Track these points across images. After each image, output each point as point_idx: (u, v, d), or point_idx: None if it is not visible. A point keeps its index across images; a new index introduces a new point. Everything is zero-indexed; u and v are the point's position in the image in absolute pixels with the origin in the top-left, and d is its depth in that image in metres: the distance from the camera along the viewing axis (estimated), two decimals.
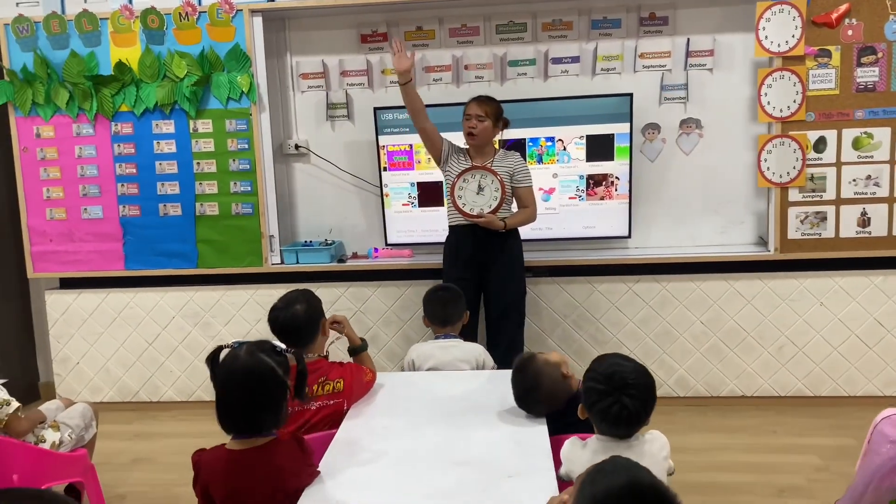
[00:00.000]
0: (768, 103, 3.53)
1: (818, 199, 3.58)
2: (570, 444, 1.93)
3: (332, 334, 2.63)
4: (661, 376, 3.81)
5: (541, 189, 3.84)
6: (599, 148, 3.77)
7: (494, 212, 3.34)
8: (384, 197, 3.96)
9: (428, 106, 3.72)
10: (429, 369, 2.78)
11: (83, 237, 3.97)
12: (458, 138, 3.49)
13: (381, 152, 3.90)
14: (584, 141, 3.78)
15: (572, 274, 3.81)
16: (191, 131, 3.83)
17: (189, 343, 4.04)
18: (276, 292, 3.99)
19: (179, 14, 3.73)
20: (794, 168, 3.55)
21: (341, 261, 3.92)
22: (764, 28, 3.48)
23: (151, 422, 3.97)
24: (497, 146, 3.72)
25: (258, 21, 3.74)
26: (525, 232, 3.66)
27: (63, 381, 4.15)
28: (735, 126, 3.80)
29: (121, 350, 4.08)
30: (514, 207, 3.49)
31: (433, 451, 2.05)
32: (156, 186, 3.89)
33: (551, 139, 3.80)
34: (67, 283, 4.12)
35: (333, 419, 2.31)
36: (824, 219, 3.58)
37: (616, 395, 1.77)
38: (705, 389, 3.80)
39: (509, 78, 3.90)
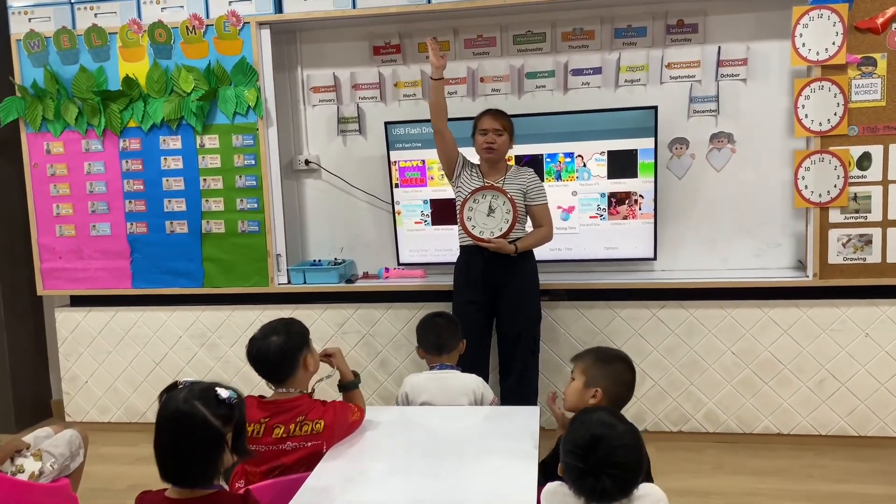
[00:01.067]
0: (806, 116, 3.24)
1: (862, 220, 3.27)
2: (552, 494, 1.71)
3: (326, 369, 2.44)
4: (688, 410, 3.53)
5: (559, 207, 3.63)
6: (622, 164, 3.53)
7: (505, 235, 3.14)
8: (396, 214, 3.80)
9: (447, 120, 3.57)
10: (422, 403, 2.59)
11: (92, 254, 3.91)
12: (470, 153, 3.30)
13: (393, 168, 3.74)
14: (605, 157, 3.54)
15: (592, 298, 3.57)
16: (197, 147, 3.74)
17: (195, 364, 3.93)
18: (282, 313, 3.86)
19: (187, 28, 3.64)
20: (835, 187, 3.25)
21: (350, 281, 3.76)
22: (801, 35, 3.20)
23: None
24: (513, 162, 3.53)
25: (266, 34, 3.62)
26: (542, 252, 3.45)
27: (72, 399, 4.09)
28: (771, 140, 3.51)
29: (129, 370, 4.00)
30: (529, 226, 3.29)
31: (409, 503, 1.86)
32: (163, 203, 3.80)
33: (570, 155, 3.58)
34: (78, 301, 4.06)
35: (310, 461, 2.13)
36: (869, 242, 3.27)
37: (597, 475, 1.55)
38: (737, 425, 3.51)
39: (527, 91, 3.70)
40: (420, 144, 3.67)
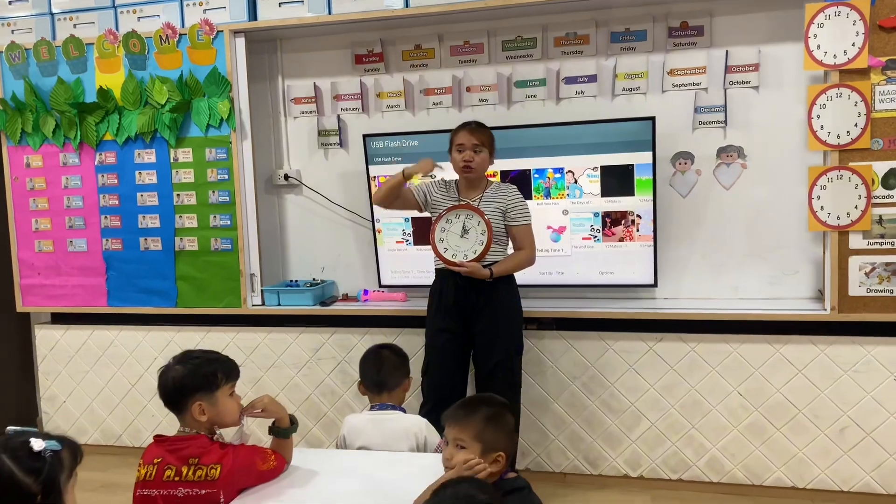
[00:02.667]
0: (821, 127, 2.86)
1: (889, 247, 2.85)
2: None
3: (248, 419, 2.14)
4: (689, 456, 3.15)
5: (549, 227, 3.32)
6: (616, 181, 3.20)
7: (479, 258, 2.86)
8: (376, 233, 3.55)
9: (426, 132, 3.32)
10: (360, 447, 2.33)
11: (69, 271, 3.80)
12: (449, 168, 3.04)
13: (373, 183, 3.50)
14: (598, 173, 3.22)
15: (584, 328, 3.24)
16: (171, 161, 3.58)
17: None
18: (257, 336, 3.68)
19: (160, 37, 3.49)
20: (856, 208, 2.85)
21: (325, 304, 3.53)
22: (815, 36, 2.82)
23: (127, 470, 3.66)
24: (498, 178, 3.25)
25: (241, 42, 3.45)
26: (530, 277, 3.16)
27: (51, 419, 3.97)
28: (787, 155, 3.13)
29: (105, 390, 3.86)
30: (512, 249, 3.00)
31: None
32: (137, 219, 3.66)
33: (560, 170, 3.26)
34: (58, 319, 3.95)
35: None
36: None
37: None
38: (744, 476, 3.10)
39: (516, 101, 3.41)
40: (401, 158, 3.42)
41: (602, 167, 3.21)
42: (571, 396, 3.27)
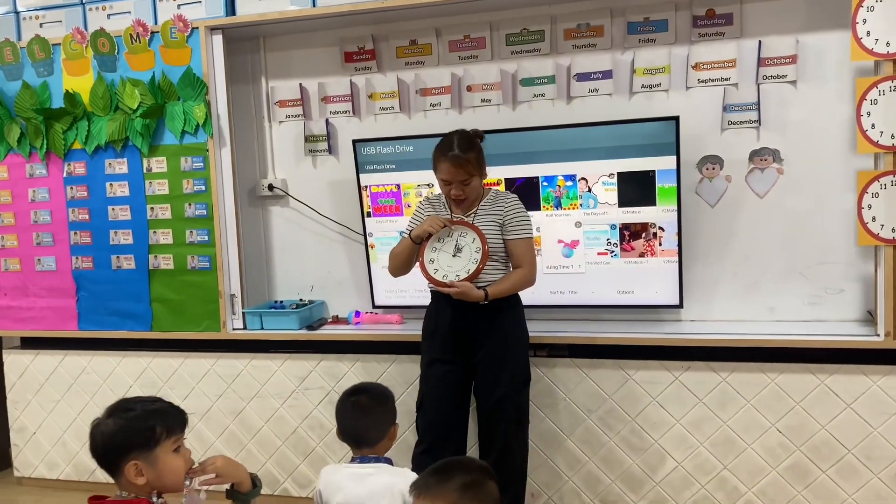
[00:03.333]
0: (872, 126, 2.48)
1: None
2: None
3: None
4: (721, 500, 2.78)
5: (560, 242, 2.96)
6: (635, 189, 2.84)
7: (472, 278, 2.51)
8: (369, 248, 3.22)
9: (424, 137, 2.99)
10: None
11: (38, 292, 3.49)
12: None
13: (364, 194, 3.16)
14: (614, 180, 2.86)
15: (600, 355, 2.87)
16: (144, 171, 3.26)
17: None
18: (238, 363, 3.35)
19: (130, 36, 3.18)
20: None
21: (312, 328, 3.19)
22: (864, 21, 2.45)
23: None
24: (503, 186, 2.91)
25: (218, 40, 3.13)
26: (540, 296, 2.83)
27: (20, 452, 3.66)
28: (831, 158, 2.76)
29: (77, 421, 3.54)
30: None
31: None
32: (108, 235, 3.34)
33: (572, 178, 2.91)
34: (28, 343, 3.64)
35: None
36: None
37: None
38: None
39: (522, 100, 3.06)
40: (394, 166, 3.09)
41: (619, 174, 2.85)
42: (587, 432, 2.90)
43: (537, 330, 2.84)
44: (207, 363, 3.31)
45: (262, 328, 3.22)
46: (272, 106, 3.36)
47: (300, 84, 3.29)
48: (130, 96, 3.21)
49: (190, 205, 3.22)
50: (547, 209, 2.95)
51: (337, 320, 3.30)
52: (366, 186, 3.15)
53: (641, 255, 2.89)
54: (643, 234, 2.87)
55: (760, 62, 2.78)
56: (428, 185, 3.05)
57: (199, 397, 3.34)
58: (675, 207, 2.80)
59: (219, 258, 3.19)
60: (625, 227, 2.89)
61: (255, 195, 3.42)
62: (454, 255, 2.57)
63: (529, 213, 2.67)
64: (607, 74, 2.95)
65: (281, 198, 3.40)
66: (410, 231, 2.63)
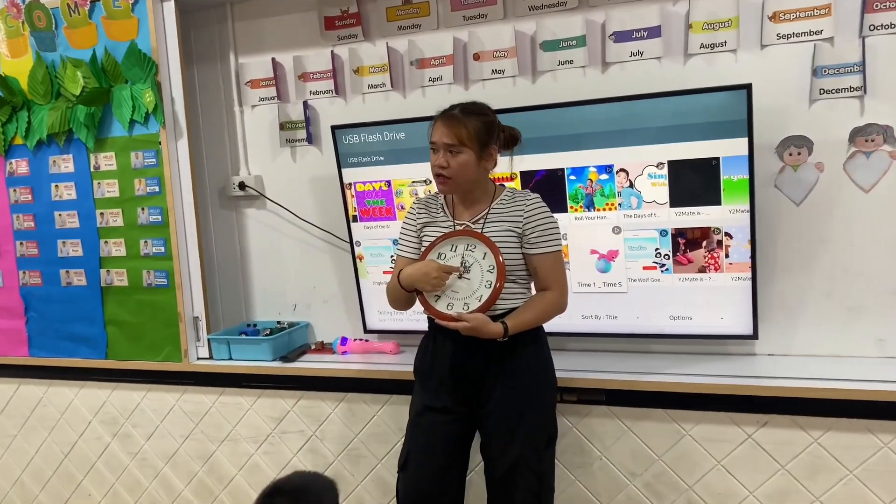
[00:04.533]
0: None
1: None
2: None
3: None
4: None
5: (594, 252, 2.29)
6: (693, 182, 2.14)
7: (485, 308, 1.87)
8: (356, 260, 2.60)
9: (419, 120, 2.34)
10: None
11: None
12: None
13: (348, 192, 2.55)
14: (664, 171, 2.16)
15: (648, 402, 2.18)
16: (91, 169, 2.72)
17: (107, 459, 2.92)
18: (205, 398, 2.77)
19: (68, 6, 2.63)
20: None
21: (286, 359, 2.60)
22: None
23: None
24: (518, 183, 2.26)
25: (169, 7, 2.55)
26: (567, 322, 2.18)
27: None
28: None
29: (36, 459, 3.06)
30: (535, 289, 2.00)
31: None
32: (56, 245, 2.83)
33: (607, 169, 2.23)
34: None
35: None
36: None
37: None
38: None
39: (544, 70, 2.38)
40: (383, 158, 2.46)
41: (671, 163, 2.15)
42: (629, 502, 2.23)
43: (565, 367, 2.20)
44: (171, 397, 2.77)
45: (231, 358, 2.66)
46: (242, 87, 2.77)
47: (272, 59, 2.69)
48: (72, 80, 2.66)
49: (143, 209, 2.66)
50: (575, 210, 2.28)
51: (321, 348, 2.71)
52: (350, 184, 2.53)
53: (702, 269, 2.19)
54: (704, 243, 2.17)
55: (866, 6, 2.04)
56: (425, 180, 2.41)
57: (163, 438, 2.80)
58: (748, 207, 2.09)
59: (177, 273, 2.63)
60: (679, 233, 2.19)
61: (226, 196, 2.85)
62: (460, 277, 1.93)
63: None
64: (654, 32, 2.24)
65: (256, 198, 2.82)
66: (400, 271, 2.00)
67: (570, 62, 2.34)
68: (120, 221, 2.70)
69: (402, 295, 2.01)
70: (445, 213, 2.03)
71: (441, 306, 1.94)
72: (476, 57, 2.45)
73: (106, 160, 2.69)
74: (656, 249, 2.23)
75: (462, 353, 1.97)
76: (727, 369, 2.17)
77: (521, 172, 2.30)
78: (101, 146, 2.69)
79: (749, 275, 2.14)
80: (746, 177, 2.08)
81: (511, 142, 2.01)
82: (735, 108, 2.04)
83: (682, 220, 2.18)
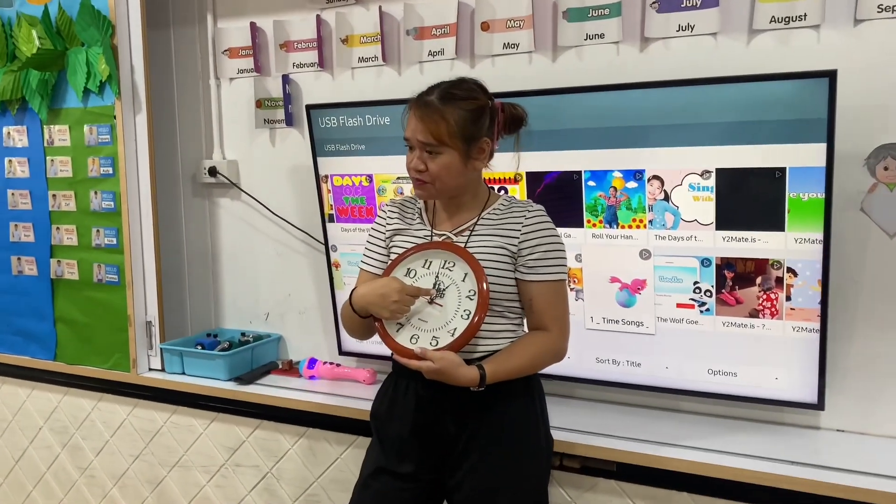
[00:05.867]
0: None
1: None
2: None
3: None
4: None
5: (615, 281, 1.79)
6: (747, 199, 1.62)
7: (459, 345, 1.42)
8: (332, 269, 2.17)
9: (404, 102, 1.87)
10: None
11: None
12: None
13: (324, 186, 2.12)
14: (711, 182, 1.65)
15: (670, 482, 1.66)
16: (45, 143, 2.38)
17: (56, 471, 2.60)
18: (157, 415, 2.38)
19: None
20: None
21: (242, 380, 2.19)
22: None
23: None
24: (521, 191, 1.79)
25: None
26: (576, 364, 1.72)
27: None
28: None
29: None
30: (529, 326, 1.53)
31: None
32: (8, 229, 2.50)
33: (637, 175, 1.72)
34: None
35: None
36: None
37: None
38: None
39: (567, 45, 1.88)
40: (364, 147, 2.02)
41: (720, 171, 1.63)
42: None
43: (568, 426, 1.74)
44: (123, 410, 2.41)
45: (184, 372, 2.27)
46: (219, 56, 2.37)
47: (250, 24, 2.27)
48: (27, 40, 2.32)
49: (96, 193, 2.30)
50: (593, 225, 1.78)
51: (289, 368, 2.29)
52: (326, 176, 2.10)
53: (753, 313, 1.67)
54: (758, 280, 1.65)
55: None
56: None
57: (113, 455, 2.45)
58: (821, 235, 1.56)
59: (127, 270, 2.26)
60: (726, 264, 1.67)
61: (198, 182, 2.46)
62: (431, 302, 1.48)
63: (562, 231, 1.54)
64: (710, 0, 1.72)
65: (230, 188, 2.42)
66: (353, 291, 1.57)
67: (601, 36, 1.84)
68: (73, 205, 2.35)
69: (357, 321, 1.57)
70: (423, 219, 1.57)
71: (403, 338, 1.49)
72: (485, 27, 1.97)
73: (60, 134, 2.34)
74: (695, 283, 1.71)
75: (428, 403, 1.52)
76: (781, 448, 1.64)
77: (528, 173, 1.82)
78: (54, 118, 2.34)
79: (817, 325, 1.61)
80: (822, 195, 1.55)
81: (514, 123, 1.53)
82: (812, 102, 1.51)
83: (732, 247, 1.66)
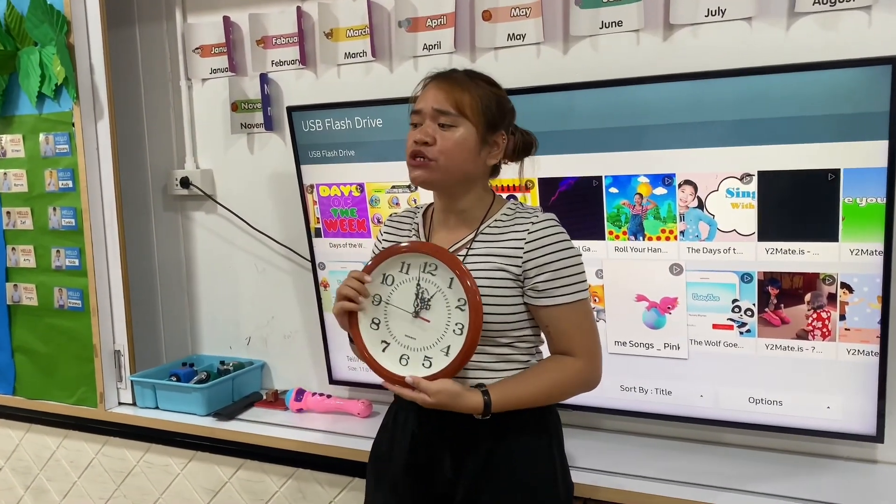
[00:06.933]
0: None
1: None
2: None
3: None
4: None
5: (641, 299, 1.59)
6: (795, 205, 1.42)
7: (457, 367, 1.22)
8: (320, 288, 1.96)
9: (400, 101, 1.65)
10: None
11: None
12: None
13: (309, 197, 1.90)
14: (752, 187, 1.44)
15: None
16: None
17: None
18: (129, 454, 2.13)
19: None
20: None
21: (221, 415, 1.97)
22: None
23: None
24: (534, 198, 1.58)
25: None
26: (599, 394, 1.48)
27: None
28: None
29: None
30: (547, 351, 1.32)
31: None
32: None
33: (665, 180, 1.52)
34: None
35: None
36: None
37: None
38: None
39: (581, 34, 1.68)
40: (354, 153, 1.80)
41: (763, 175, 1.43)
42: None
43: (586, 464, 1.52)
44: (91, 449, 2.18)
45: (157, 407, 2.04)
46: (190, 55, 2.14)
47: (225, 18, 2.05)
48: None
49: (55, 210, 2.07)
50: (616, 237, 1.58)
51: (275, 399, 2.07)
52: (311, 186, 1.88)
53: (802, 335, 1.47)
54: (807, 297, 1.45)
55: None
56: (409, 186, 1.75)
57: (81, 498, 2.22)
58: (881, 246, 1.37)
59: (91, 294, 2.03)
60: (770, 279, 1.47)
61: (168, 194, 2.24)
62: (416, 315, 1.27)
63: (581, 244, 1.34)
64: None
65: (205, 200, 2.19)
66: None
67: (619, 24, 1.63)
68: (29, 223, 2.12)
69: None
70: (420, 234, 1.36)
71: (390, 360, 1.28)
72: (487, 16, 1.76)
73: (13, 144, 2.11)
74: (734, 301, 1.51)
75: (425, 436, 1.31)
76: (833, 488, 1.44)
77: (541, 180, 1.61)
78: (6, 126, 2.10)
79: (876, 347, 1.42)
80: (882, 200, 1.35)
81: (524, 150, 1.34)
82: (869, 94, 1.32)
83: (776, 260, 1.46)
